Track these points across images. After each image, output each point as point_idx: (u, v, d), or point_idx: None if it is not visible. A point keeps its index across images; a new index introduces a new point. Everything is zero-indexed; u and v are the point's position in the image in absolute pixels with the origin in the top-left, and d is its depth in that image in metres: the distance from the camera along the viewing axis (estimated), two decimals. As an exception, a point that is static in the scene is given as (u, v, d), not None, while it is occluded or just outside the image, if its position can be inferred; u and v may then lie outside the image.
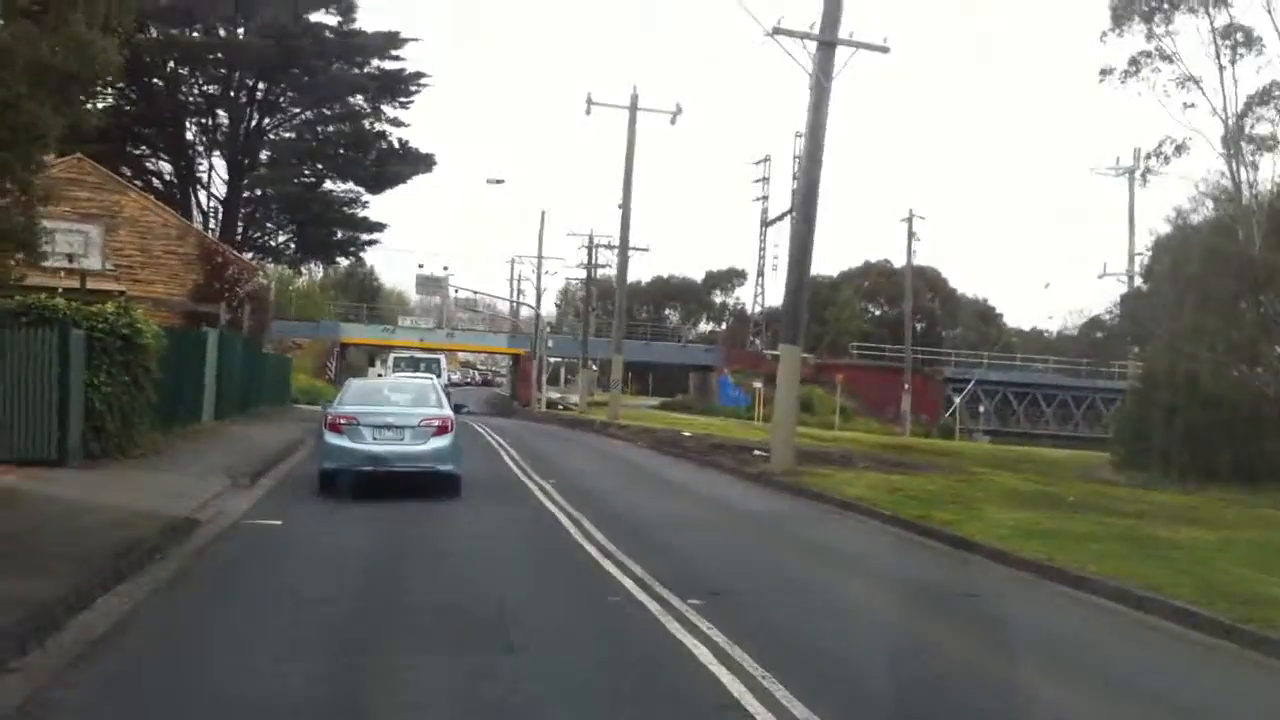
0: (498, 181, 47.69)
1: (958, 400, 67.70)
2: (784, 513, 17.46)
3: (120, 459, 17.08)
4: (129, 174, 40.83)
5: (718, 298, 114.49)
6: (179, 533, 11.25)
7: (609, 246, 44.60)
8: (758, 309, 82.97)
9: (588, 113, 43.15)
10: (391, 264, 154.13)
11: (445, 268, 69.78)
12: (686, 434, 36.30)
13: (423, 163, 49.65)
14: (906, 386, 65.20)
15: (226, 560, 10.83)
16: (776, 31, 19.98)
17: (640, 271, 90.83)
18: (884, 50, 20.74)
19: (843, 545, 14.51)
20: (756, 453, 28.61)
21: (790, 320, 21.79)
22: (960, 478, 23.60)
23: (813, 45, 20.17)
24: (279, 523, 13.14)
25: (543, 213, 65.16)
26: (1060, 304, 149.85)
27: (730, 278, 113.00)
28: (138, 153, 45.30)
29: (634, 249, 44.71)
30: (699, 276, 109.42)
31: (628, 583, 10.13)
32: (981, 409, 68.04)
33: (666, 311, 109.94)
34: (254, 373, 32.78)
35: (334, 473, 15.75)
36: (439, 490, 16.25)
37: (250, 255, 45.59)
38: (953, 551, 13.94)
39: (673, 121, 43.43)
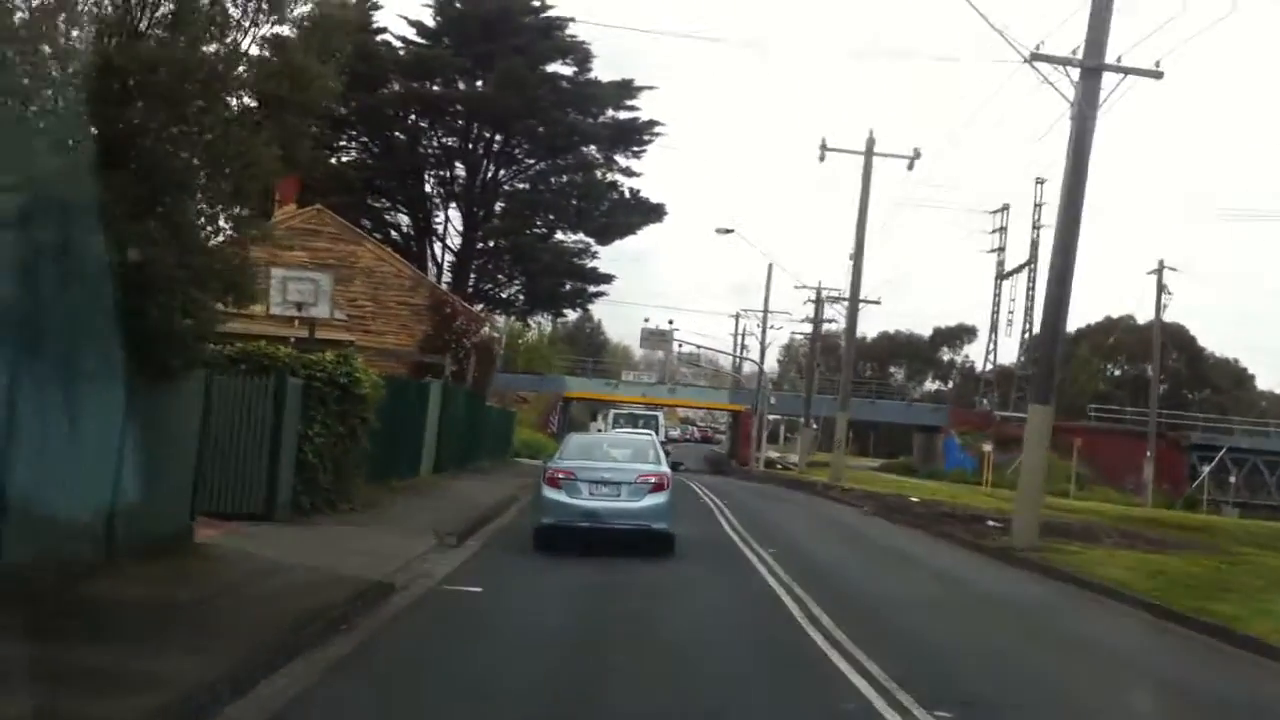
0: (727, 231, 46.64)
1: (1205, 470, 62.30)
2: (1033, 597, 15.53)
3: (330, 513, 16.70)
4: (369, 226, 42.02)
5: (945, 355, 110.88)
6: (370, 599, 10.50)
7: (838, 299, 43.07)
8: (988, 367, 79.08)
9: (821, 159, 41.94)
10: (618, 318, 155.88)
11: (670, 321, 68.99)
12: (914, 499, 34.24)
13: (653, 213, 49.21)
14: (1149, 453, 60.39)
15: (415, 635, 9.96)
16: (1035, 58, 18.18)
17: (866, 327, 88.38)
18: (1157, 76, 18.56)
19: (1112, 642, 12.56)
20: (991, 523, 26.50)
21: (1042, 378, 19.83)
22: (1223, 559, 21.02)
23: (1075, 72, 18.29)
24: (479, 589, 12.29)
25: (769, 265, 63.94)
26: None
27: (959, 335, 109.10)
28: (378, 205, 46.68)
29: (864, 301, 42.86)
30: (926, 333, 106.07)
31: (862, 684, 8.67)
32: (1232, 479, 62.42)
33: (891, 369, 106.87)
34: (476, 425, 32.77)
35: (550, 528, 15.64)
36: (652, 552, 15.36)
37: (480, 307, 46.22)
38: (1242, 654, 11.87)
39: (910, 167, 41.75)
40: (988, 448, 54.26)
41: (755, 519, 23.61)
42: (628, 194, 48.32)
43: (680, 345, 69.77)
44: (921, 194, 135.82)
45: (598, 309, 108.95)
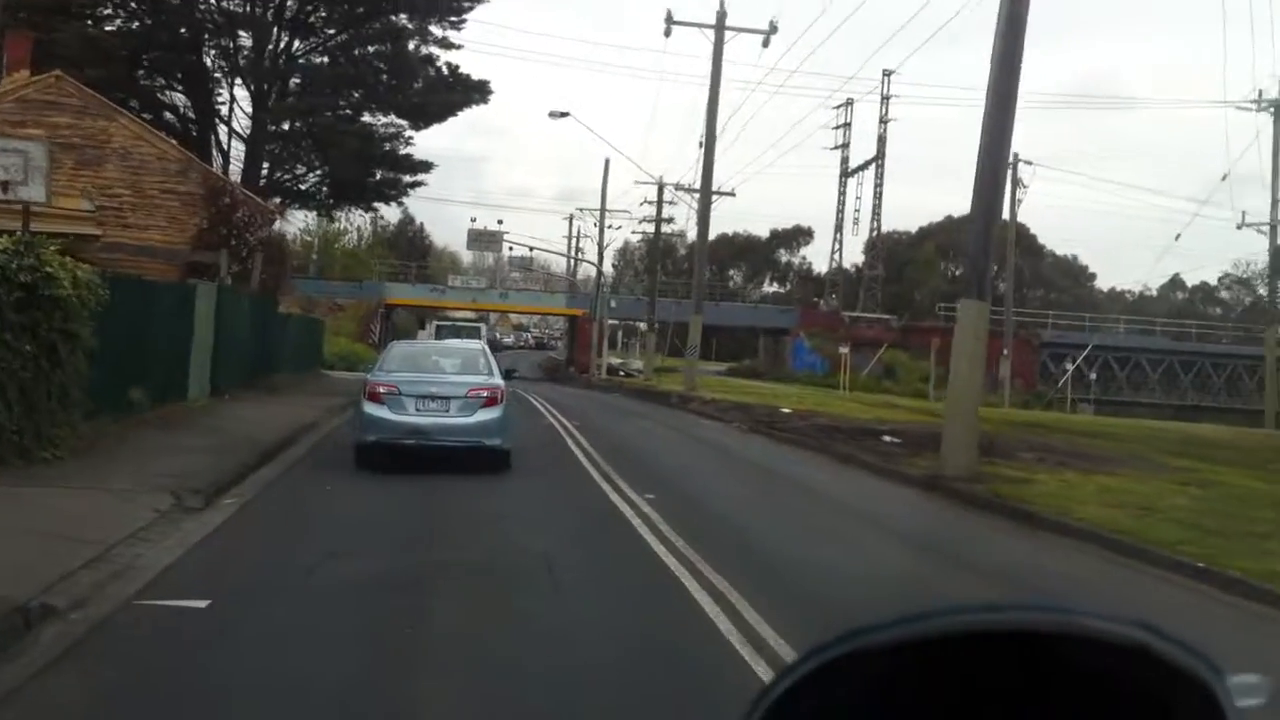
0: (562, 114, 41.03)
1: (1070, 366, 61.04)
2: (1029, 564, 11.04)
3: (19, 465, 11.54)
4: (136, 108, 35.13)
5: (783, 257, 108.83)
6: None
7: (689, 189, 38.12)
8: (833, 268, 76.23)
9: (667, 34, 37.09)
10: (443, 222, 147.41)
11: (500, 221, 63.44)
12: (785, 410, 30.29)
13: (475, 91, 42.79)
14: (1006, 352, 58.50)
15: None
16: None
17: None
18: None
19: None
20: (887, 439, 22.68)
21: (976, 268, 15.65)
22: (1181, 479, 17.53)
23: None
24: (204, 604, 7.33)
25: (606, 160, 59.00)
26: (1167, 263, 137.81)
27: (796, 236, 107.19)
28: (149, 84, 39.47)
29: (718, 193, 38.19)
30: (763, 234, 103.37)
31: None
32: (1094, 376, 61.35)
33: (730, 272, 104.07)
34: (268, 336, 27.15)
35: (372, 446, 14.34)
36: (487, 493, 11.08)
37: (276, 202, 40.02)
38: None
39: (765, 43, 37.21)
40: (844, 349, 51.07)
41: (616, 444, 19.08)
42: (445, 70, 42.04)
43: (511, 248, 64.21)
44: (774, 80, 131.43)
45: (420, 210, 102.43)
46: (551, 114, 41.42)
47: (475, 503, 12.43)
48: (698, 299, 36.76)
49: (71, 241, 22.75)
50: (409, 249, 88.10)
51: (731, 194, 40.27)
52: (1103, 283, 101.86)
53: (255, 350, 25.48)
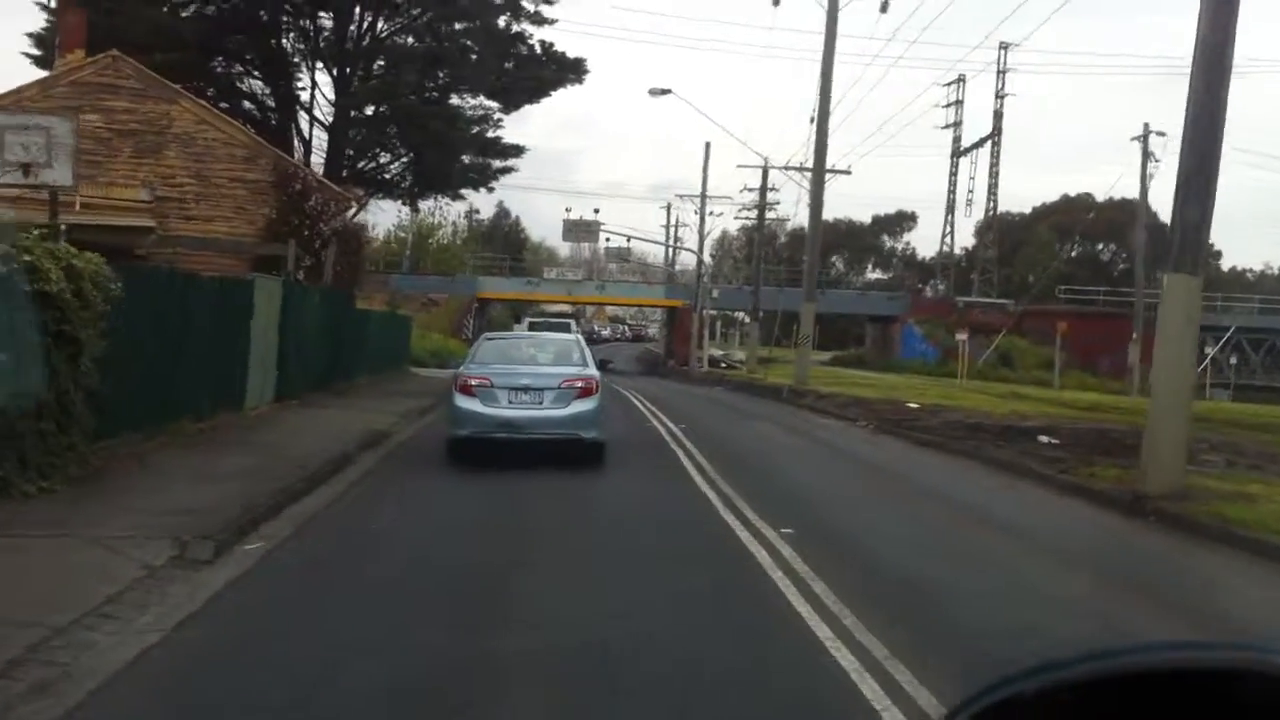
0: (663, 91, 38.12)
1: (1211, 351, 56.66)
2: None
3: (11, 497, 9.29)
4: (212, 96, 33.18)
5: (886, 243, 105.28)
6: None
7: (799, 168, 34.62)
8: (943, 251, 72.22)
9: (776, 3, 34.12)
10: (539, 217, 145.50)
11: (596, 211, 60.71)
12: (911, 405, 27.18)
13: (570, 70, 39.91)
14: (1135, 336, 54.26)
15: None
16: None
17: (803, 215, 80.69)
18: None
19: None
20: (1043, 440, 19.54)
21: (1187, 235, 12.41)
22: None
23: None
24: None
25: (707, 144, 55.71)
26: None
27: (899, 221, 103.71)
28: (226, 70, 37.55)
29: (832, 171, 34.92)
30: (865, 220, 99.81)
31: None
32: (1233, 361, 56.84)
33: (832, 258, 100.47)
34: (345, 334, 24.91)
35: (465, 441, 14.06)
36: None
37: (362, 192, 37.92)
38: None
39: (883, 8, 33.98)
40: (961, 336, 47.47)
41: (731, 453, 16.29)
42: (538, 47, 39.29)
43: (608, 239, 61.66)
44: (890, 51, 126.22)
45: (515, 203, 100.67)
46: (652, 91, 38.57)
47: (566, 540, 9.76)
48: (810, 286, 33.59)
49: (122, 235, 20.69)
50: (504, 243, 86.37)
51: (847, 171, 37.23)
52: (1225, 262, 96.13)
53: (329, 350, 23.21)
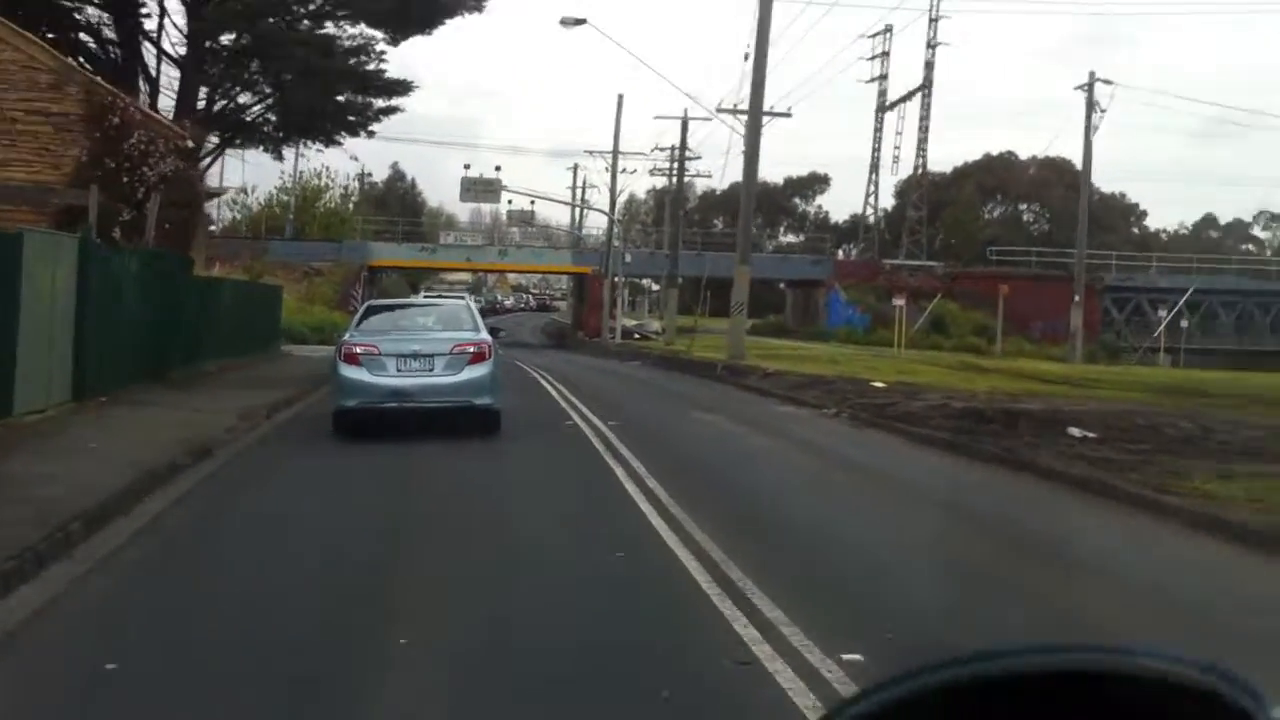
0: (577, 21, 33.13)
1: (1163, 314, 54.23)
2: None
3: None
4: (45, 30, 27.49)
5: (798, 206, 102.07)
6: None
7: (734, 111, 29.87)
8: (868, 212, 68.58)
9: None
10: (438, 180, 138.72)
11: (497, 168, 55.16)
12: (878, 385, 23.06)
13: (466, -9, 34.72)
14: (1077, 299, 51.31)
15: None
16: None
17: (731, 173, 76.09)
18: None
19: None
20: (1074, 431, 15.40)
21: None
22: None
23: None
24: None
25: (619, 96, 51.03)
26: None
27: (813, 183, 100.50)
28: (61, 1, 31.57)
29: (769, 114, 30.31)
30: (778, 181, 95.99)
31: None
32: (1184, 324, 54.50)
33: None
34: (182, 309, 19.84)
35: (350, 412, 13.46)
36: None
37: (220, 136, 32.37)
38: None
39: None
40: (899, 302, 43.79)
41: (690, 467, 11.82)
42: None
43: (510, 200, 56.51)
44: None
45: (411, 165, 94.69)
46: (564, 21, 33.53)
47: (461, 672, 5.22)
48: (744, 245, 29.18)
49: None
50: (400, 207, 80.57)
51: (787, 114, 32.42)
52: (1154, 221, 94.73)
53: (158, 330, 18.23)
